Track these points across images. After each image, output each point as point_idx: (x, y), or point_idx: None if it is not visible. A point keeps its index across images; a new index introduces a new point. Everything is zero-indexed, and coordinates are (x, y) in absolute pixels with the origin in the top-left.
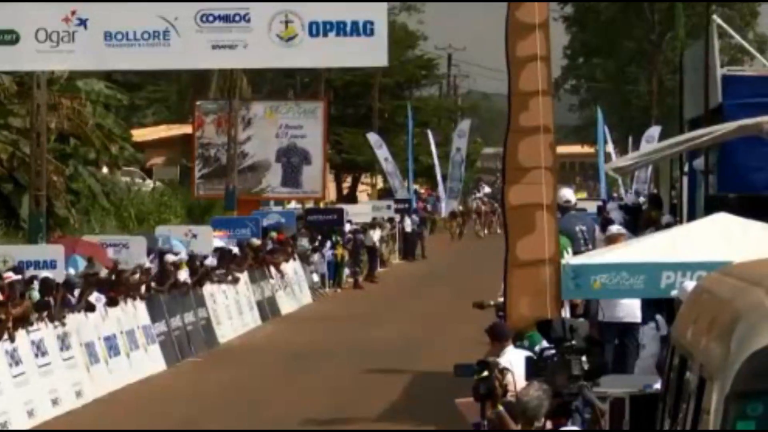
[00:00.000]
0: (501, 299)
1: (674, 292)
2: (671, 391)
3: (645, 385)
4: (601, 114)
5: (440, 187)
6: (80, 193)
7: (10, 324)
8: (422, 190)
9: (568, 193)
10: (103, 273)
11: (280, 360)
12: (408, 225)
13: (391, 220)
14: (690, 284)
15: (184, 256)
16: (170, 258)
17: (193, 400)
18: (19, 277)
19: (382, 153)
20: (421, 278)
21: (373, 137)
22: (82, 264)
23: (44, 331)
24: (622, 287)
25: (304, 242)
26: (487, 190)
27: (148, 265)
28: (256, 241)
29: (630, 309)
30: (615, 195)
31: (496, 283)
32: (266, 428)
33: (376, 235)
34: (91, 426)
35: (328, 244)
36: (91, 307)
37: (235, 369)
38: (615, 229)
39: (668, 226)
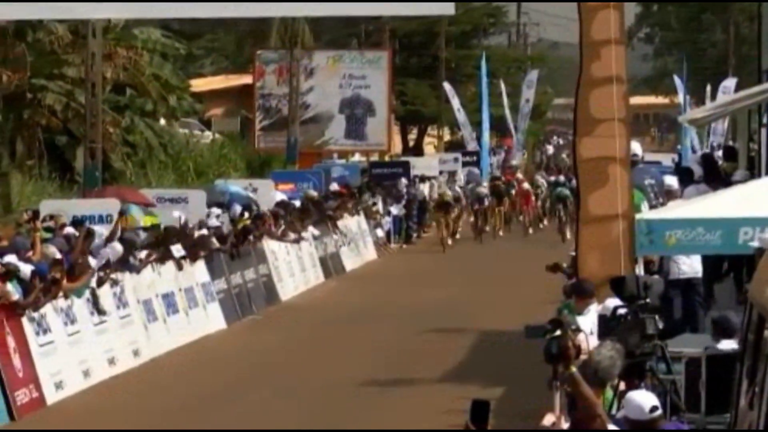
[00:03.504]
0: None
1: (754, 243)
2: (749, 351)
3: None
4: (685, 66)
5: (514, 139)
6: (137, 145)
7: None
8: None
9: (635, 147)
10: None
11: (341, 319)
12: (461, 180)
13: (453, 174)
14: None
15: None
16: (238, 209)
17: (250, 359)
18: (75, 231)
19: (455, 103)
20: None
21: (447, 87)
22: (135, 211)
23: (100, 288)
24: (698, 243)
25: (370, 197)
26: (559, 141)
27: (215, 223)
28: (313, 193)
29: (692, 264)
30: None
31: None
32: (325, 390)
33: (426, 189)
34: (146, 385)
35: (402, 201)
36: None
37: (295, 328)
38: (666, 183)
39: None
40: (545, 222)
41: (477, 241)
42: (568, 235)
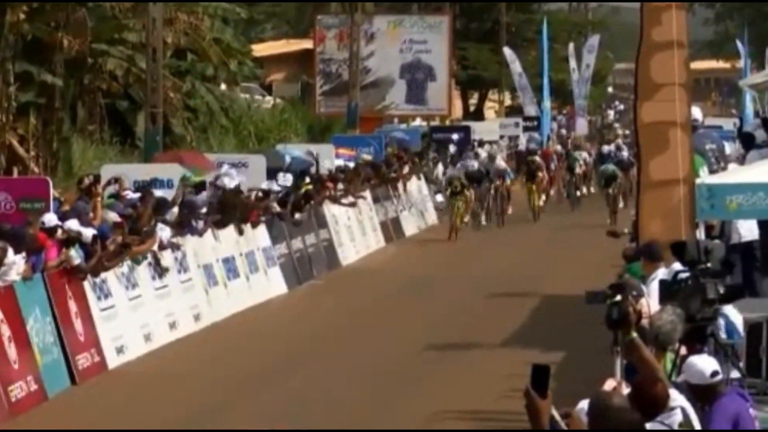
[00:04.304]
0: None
1: None
2: None
3: None
4: (747, 30)
5: (576, 104)
6: (198, 110)
7: (135, 247)
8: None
9: (695, 112)
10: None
11: (402, 283)
12: (522, 144)
13: (512, 138)
14: None
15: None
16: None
17: (311, 324)
18: (137, 195)
19: (516, 68)
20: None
21: (507, 52)
22: (188, 174)
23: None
24: (759, 207)
25: (429, 162)
26: (620, 107)
27: (277, 187)
28: (368, 157)
29: (751, 228)
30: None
31: None
32: (386, 355)
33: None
34: (207, 350)
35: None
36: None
37: (356, 293)
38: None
39: None
40: (582, 192)
41: (498, 225)
42: (619, 207)
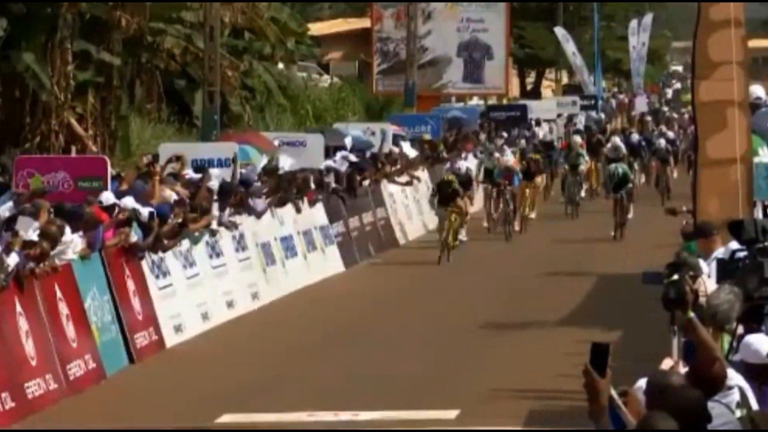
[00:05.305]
0: None
1: None
2: None
3: None
4: None
5: (633, 82)
6: (255, 89)
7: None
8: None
9: (758, 90)
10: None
11: (459, 261)
12: (581, 123)
13: (571, 117)
14: None
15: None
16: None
17: (369, 303)
18: (198, 175)
19: (570, 47)
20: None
21: (559, 31)
22: (252, 154)
23: (219, 232)
24: None
25: (486, 139)
26: (676, 86)
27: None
28: (428, 136)
29: None
30: None
31: None
32: (445, 332)
33: (541, 132)
34: (265, 328)
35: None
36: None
37: (414, 271)
38: None
39: None
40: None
41: (501, 235)
42: (628, 218)
